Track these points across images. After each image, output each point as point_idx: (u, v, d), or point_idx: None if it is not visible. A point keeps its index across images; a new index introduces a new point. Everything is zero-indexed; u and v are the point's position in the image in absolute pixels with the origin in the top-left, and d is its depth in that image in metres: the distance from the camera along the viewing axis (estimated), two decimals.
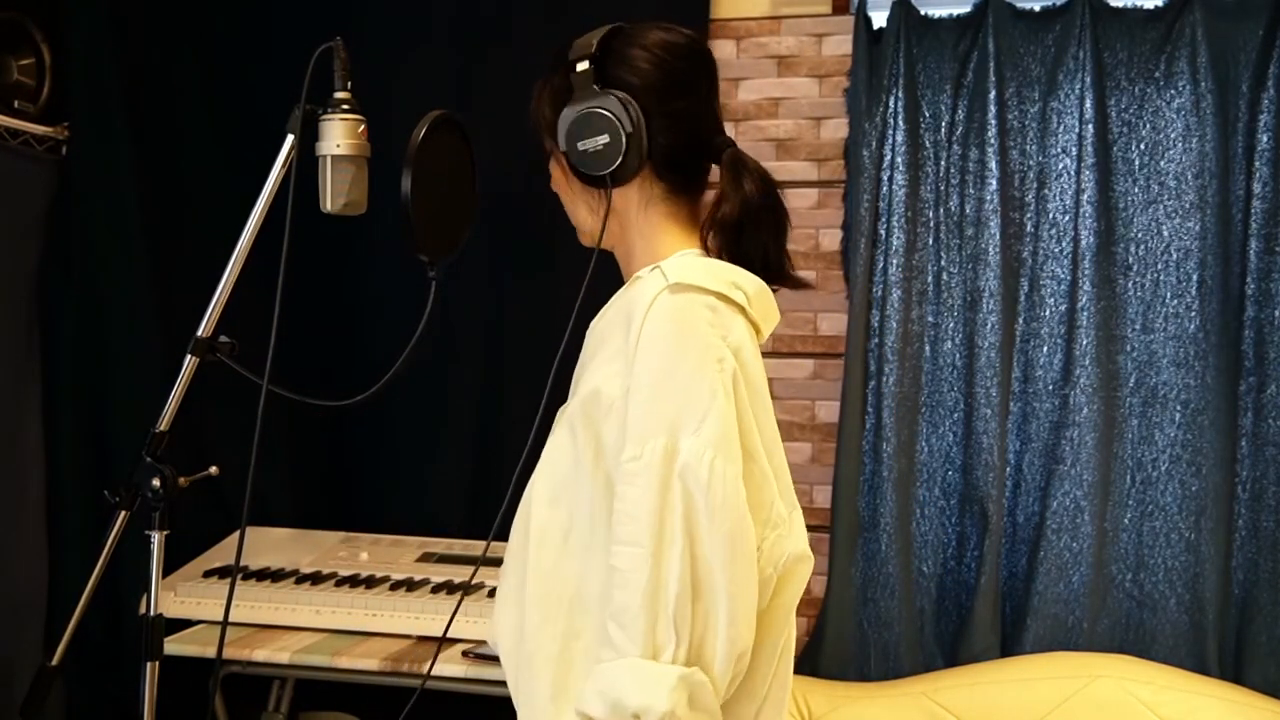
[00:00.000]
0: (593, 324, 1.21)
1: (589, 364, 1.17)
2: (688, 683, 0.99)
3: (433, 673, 1.99)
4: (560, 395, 1.21)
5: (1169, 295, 2.26)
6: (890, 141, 2.32)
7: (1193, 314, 2.25)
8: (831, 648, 2.33)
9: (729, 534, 1.01)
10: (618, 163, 1.14)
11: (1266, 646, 2.19)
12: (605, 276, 1.25)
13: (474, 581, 2.23)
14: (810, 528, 2.44)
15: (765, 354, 2.61)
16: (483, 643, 2.05)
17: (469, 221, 1.44)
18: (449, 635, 2.03)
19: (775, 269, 1.22)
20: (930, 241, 2.34)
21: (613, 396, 1.09)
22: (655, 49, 1.18)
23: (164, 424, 1.52)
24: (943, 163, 2.33)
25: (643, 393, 1.05)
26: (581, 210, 1.23)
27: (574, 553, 1.12)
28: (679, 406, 1.03)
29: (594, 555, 1.10)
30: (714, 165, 1.23)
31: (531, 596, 1.12)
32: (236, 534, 2.07)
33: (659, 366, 1.05)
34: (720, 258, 1.18)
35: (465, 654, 2.02)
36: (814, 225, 2.47)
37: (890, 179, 2.32)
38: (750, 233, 1.18)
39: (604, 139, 1.14)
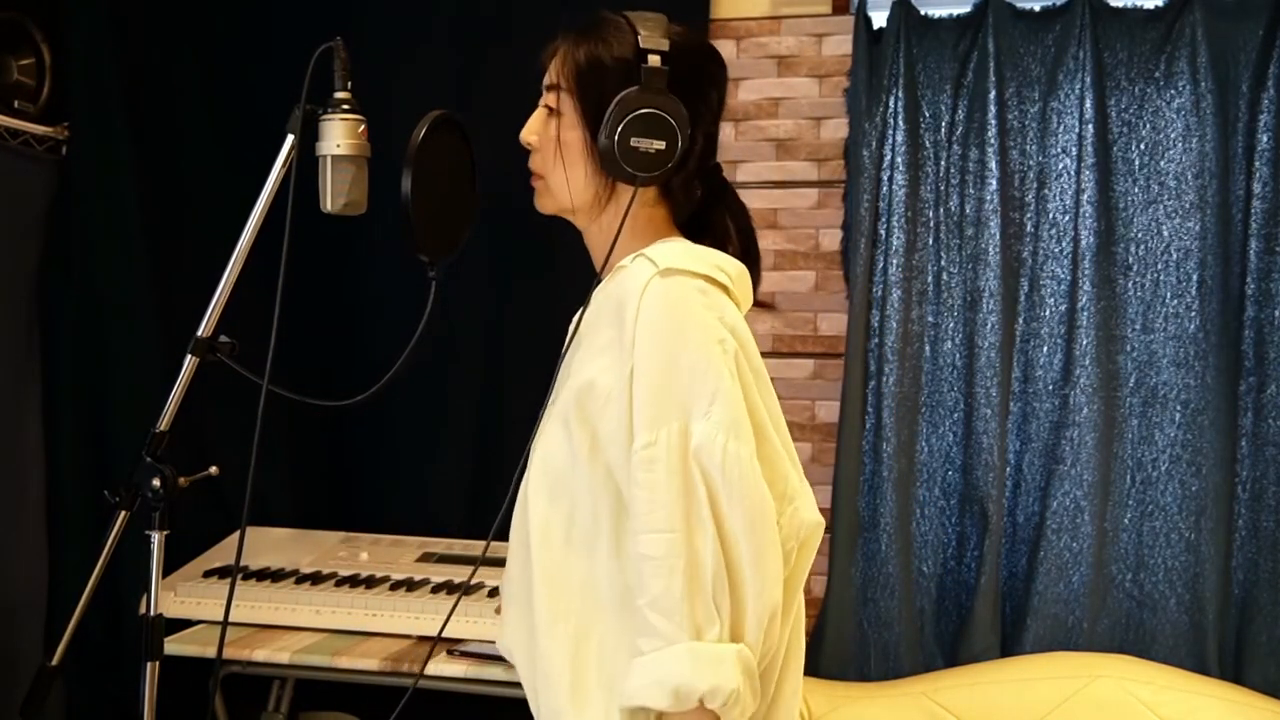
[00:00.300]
0: (576, 317, 1.20)
1: (575, 356, 1.16)
2: (743, 658, 1.02)
3: (433, 673, 2.00)
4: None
5: (1169, 295, 2.26)
6: (890, 141, 2.32)
7: (1193, 314, 2.25)
8: (831, 648, 2.33)
9: (747, 511, 1.03)
10: (657, 172, 1.15)
11: (1266, 646, 2.19)
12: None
13: (472, 581, 2.23)
14: None
15: (765, 354, 2.61)
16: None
17: (469, 221, 1.44)
18: (448, 635, 2.04)
19: (757, 293, 1.25)
20: (930, 241, 2.34)
21: (609, 387, 1.09)
22: (697, 58, 1.19)
23: (164, 424, 1.52)
24: (943, 163, 2.33)
25: (649, 379, 1.05)
26: (584, 186, 1.20)
27: (579, 548, 1.12)
28: (686, 390, 1.04)
29: (599, 548, 1.10)
30: (706, 184, 1.25)
31: (540, 596, 1.12)
32: (236, 534, 2.07)
33: (662, 353, 1.06)
34: None
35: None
36: (814, 225, 2.47)
37: (890, 179, 2.32)
38: (750, 263, 1.22)
39: (660, 145, 1.14)
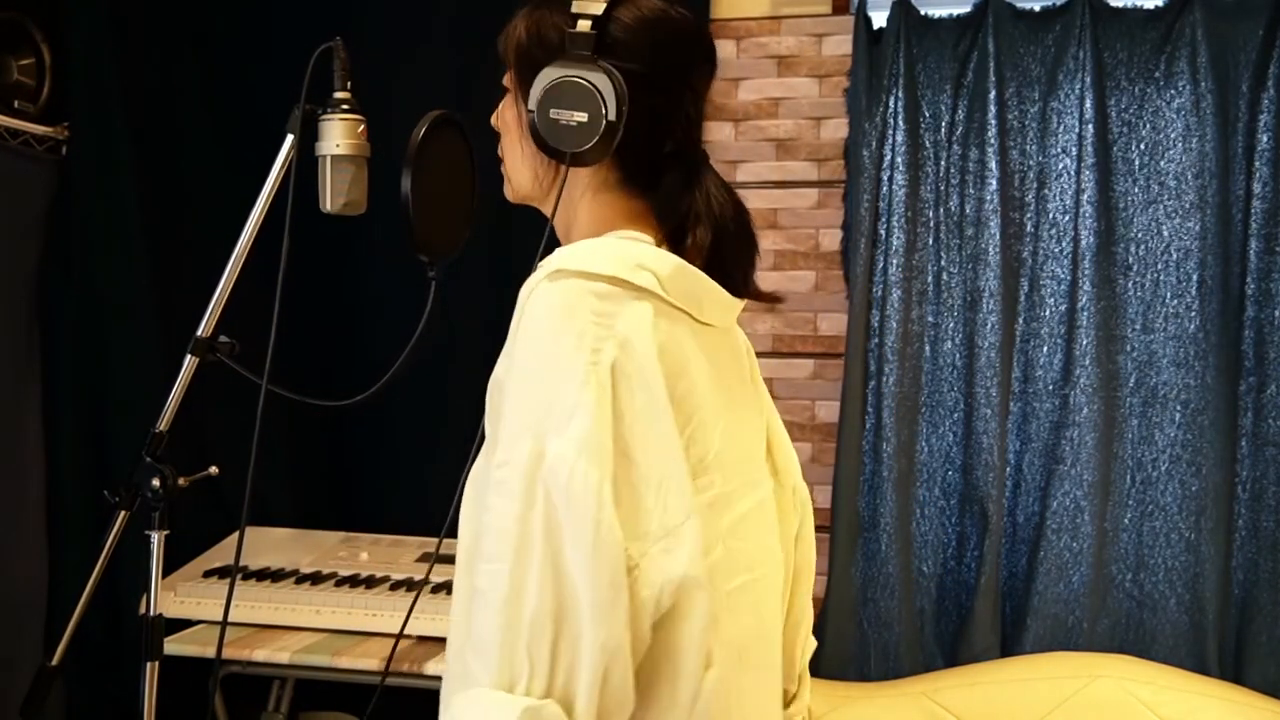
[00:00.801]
0: None
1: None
2: (533, 716, 0.86)
3: (433, 673, 2.00)
4: None
5: (1169, 295, 2.26)
6: (890, 141, 2.32)
7: (1193, 314, 2.25)
8: (831, 648, 2.33)
9: (592, 547, 0.89)
10: (585, 148, 1.04)
11: (1266, 646, 2.19)
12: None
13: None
14: None
15: (765, 354, 2.61)
16: None
17: (469, 221, 1.44)
18: (440, 635, 2.04)
19: (748, 289, 1.11)
20: (930, 241, 2.34)
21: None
22: (662, 32, 1.07)
23: (164, 424, 1.52)
24: (943, 163, 2.33)
25: (514, 393, 0.95)
26: (522, 167, 1.13)
27: None
28: (547, 405, 0.92)
29: None
30: (680, 170, 1.11)
31: (456, 620, 1.02)
32: (236, 534, 2.07)
33: (529, 363, 0.95)
34: None
35: None
36: (814, 225, 2.47)
37: (890, 179, 2.32)
38: (724, 257, 1.08)
39: (581, 116, 1.03)
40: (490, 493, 0.94)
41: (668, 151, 1.10)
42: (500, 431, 0.96)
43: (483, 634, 0.90)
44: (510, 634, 0.88)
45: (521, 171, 1.13)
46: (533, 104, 1.05)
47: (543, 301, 0.96)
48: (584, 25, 1.04)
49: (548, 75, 1.04)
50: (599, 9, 1.04)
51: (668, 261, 1.01)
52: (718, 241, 1.07)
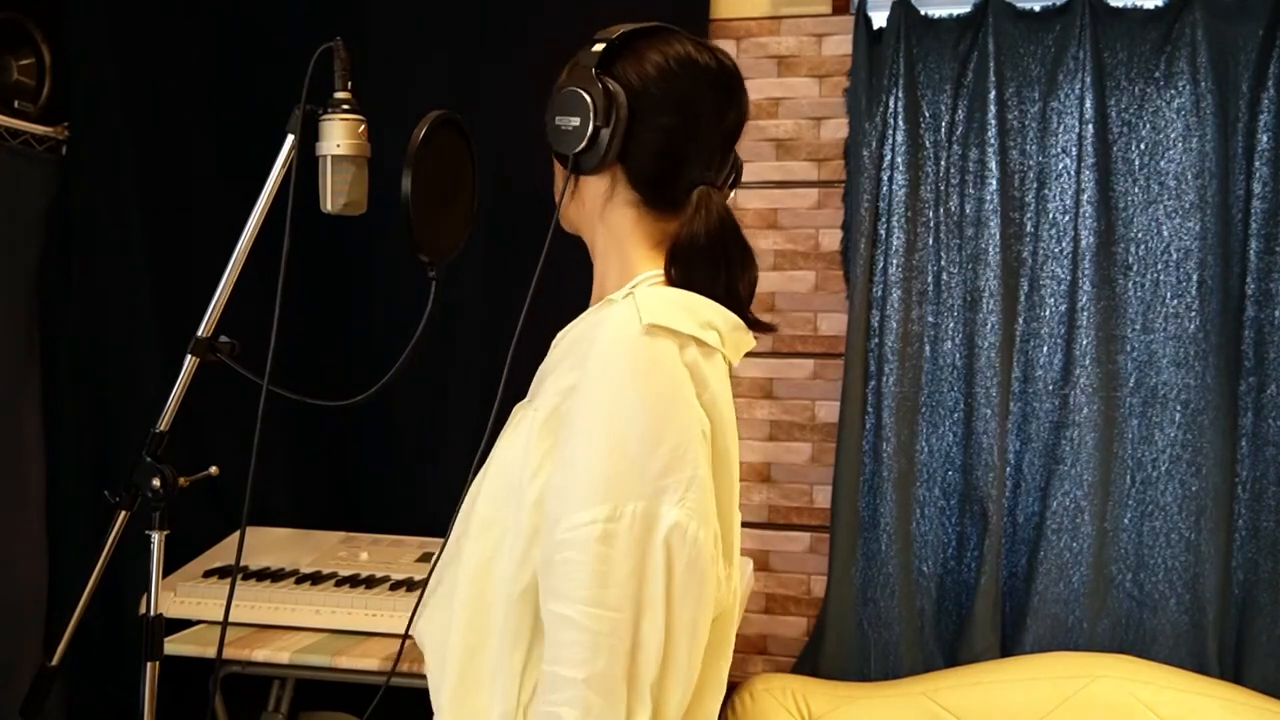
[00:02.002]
0: (561, 333, 1.17)
1: (549, 375, 1.12)
2: None
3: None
4: (519, 391, 1.18)
5: (1169, 295, 2.26)
6: (890, 141, 2.32)
7: (1193, 314, 2.25)
8: (831, 648, 2.33)
9: (699, 602, 1.01)
10: (578, 149, 1.12)
11: (1266, 646, 2.19)
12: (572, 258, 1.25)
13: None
14: (810, 528, 2.47)
15: (765, 354, 2.61)
16: None
17: (470, 222, 1.44)
18: None
19: (745, 312, 1.14)
20: (930, 241, 2.34)
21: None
22: (671, 59, 1.13)
23: (164, 424, 1.52)
24: (943, 163, 2.33)
25: (619, 448, 1.00)
26: (556, 180, 1.22)
27: (506, 555, 1.08)
28: (662, 472, 1.00)
29: (527, 564, 1.07)
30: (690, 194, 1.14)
31: (463, 597, 1.10)
32: (236, 534, 2.07)
33: (642, 426, 1.00)
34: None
35: None
36: (814, 225, 2.47)
37: (890, 179, 2.32)
38: (699, 268, 1.11)
39: (574, 121, 1.11)
40: (595, 543, 0.99)
41: (671, 173, 1.14)
42: (591, 477, 1.00)
43: (611, 676, 0.98)
44: (636, 678, 0.99)
45: (555, 183, 1.21)
46: (547, 115, 1.14)
47: (643, 357, 1.02)
48: (596, 48, 1.13)
49: (557, 88, 1.14)
50: (614, 34, 1.14)
51: (726, 319, 1.09)
52: (689, 255, 1.11)
